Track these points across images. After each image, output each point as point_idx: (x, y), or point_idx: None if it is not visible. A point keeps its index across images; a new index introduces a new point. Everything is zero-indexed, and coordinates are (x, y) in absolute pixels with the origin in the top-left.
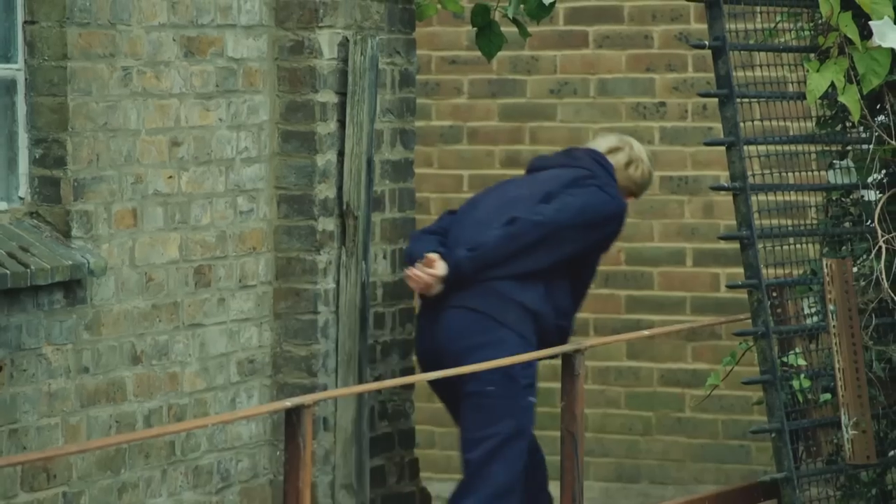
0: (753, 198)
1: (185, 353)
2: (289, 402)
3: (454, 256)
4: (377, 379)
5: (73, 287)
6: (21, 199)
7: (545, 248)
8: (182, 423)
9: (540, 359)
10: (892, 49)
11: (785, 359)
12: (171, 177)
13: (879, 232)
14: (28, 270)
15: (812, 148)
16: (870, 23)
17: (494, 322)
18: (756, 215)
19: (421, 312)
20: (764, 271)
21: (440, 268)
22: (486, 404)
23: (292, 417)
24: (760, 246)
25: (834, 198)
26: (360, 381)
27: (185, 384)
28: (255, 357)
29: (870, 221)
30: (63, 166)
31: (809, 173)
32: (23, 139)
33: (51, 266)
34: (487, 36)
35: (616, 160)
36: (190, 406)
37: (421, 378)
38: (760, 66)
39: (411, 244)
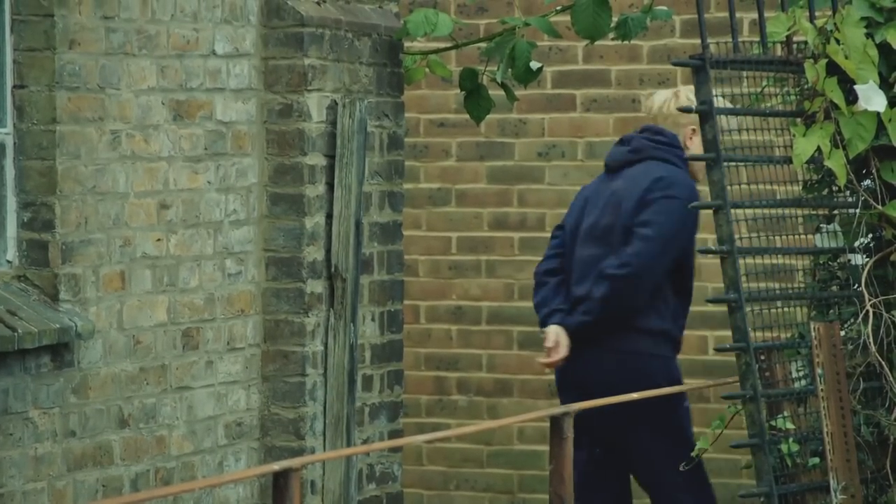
0: (741, 261)
1: (173, 416)
2: (276, 466)
3: (571, 323)
4: (365, 442)
5: (60, 350)
6: (9, 262)
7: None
8: (169, 486)
9: (524, 421)
10: (878, 113)
11: (773, 422)
12: (159, 239)
13: (867, 296)
14: (15, 334)
15: (799, 212)
16: (855, 87)
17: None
18: (744, 278)
19: None
20: (752, 334)
21: (562, 347)
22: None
23: (280, 481)
24: (748, 309)
25: (821, 261)
26: (348, 443)
27: (172, 447)
28: (242, 420)
29: (857, 285)
30: (51, 229)
31: (797, 237)
32: (11, 202)
33: (38, 329)
34: (476, 99)
35: (677, 121)
36: (177, 469)
37: (409, 441)
38: (747, 130)
39: (537, 295)
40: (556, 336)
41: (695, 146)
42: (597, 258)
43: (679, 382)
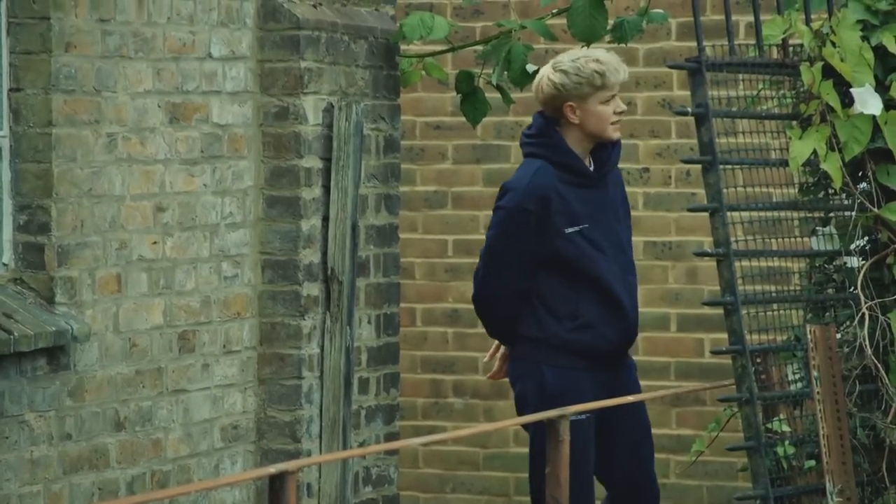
0: (737, 264)
1: (169, 419)
2: (272, 469)
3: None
4: (361, 444)
5: (56, 353)
6: (5, 265)
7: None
8: (165, 489)
9: (519, 423)
10: (874, 116)
11: (769, 425)
12: (155, 242)
13: (862, 299)
14: (11, 337)
15: (795, 214)
16: (851, 90)
17: None
18: (740, 281)
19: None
20: (748, 337)
21: (496, 359)
22: None
23: (276, 484)
24: (744, 312)
25: (817, 264)
26: (345, 446)
27: (168, 450)
28: (239, 423)
29: (853, 288)
30: (47, 232)
31: (792, 240)
32: (7, 205)
33: (34, 332)
34: (472, 102)
35: (542, 109)
36: (173, 472)
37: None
38: (743, 132)
39: None
40: (494, 347)
41: (582, 117)
42: None
43: (556, 394)
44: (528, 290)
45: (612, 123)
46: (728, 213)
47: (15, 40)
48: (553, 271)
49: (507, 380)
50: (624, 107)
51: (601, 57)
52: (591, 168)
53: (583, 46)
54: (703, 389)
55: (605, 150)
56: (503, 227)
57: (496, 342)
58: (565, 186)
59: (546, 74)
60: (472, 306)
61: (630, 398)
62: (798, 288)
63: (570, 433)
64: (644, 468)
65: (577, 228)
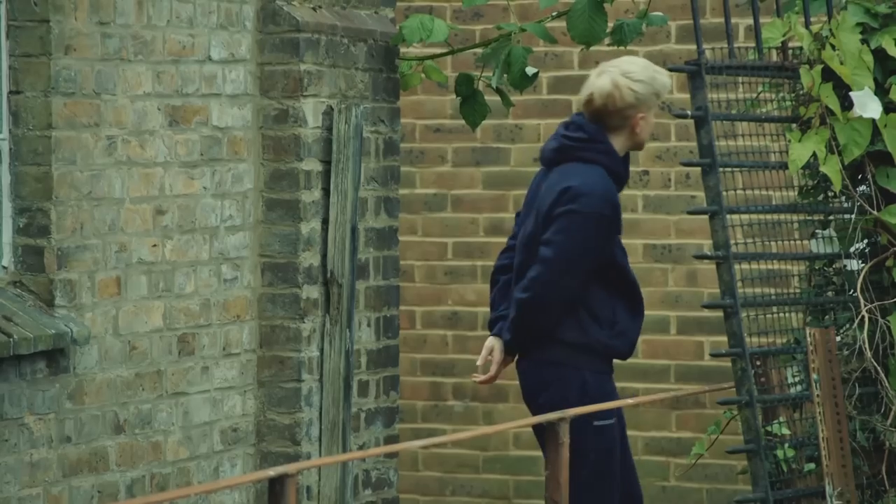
0: (737, 266)
1: (169, 422)
2: (272, 472)
3: (502, 337)
4: (361, 447)
5: (56, 356)
6: (4, 268)
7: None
8: (165, 492)
9: (520, 427)
10: (873, 119)
11: (769, 428)
12: (155, 245)
13: (862, 301)
14: (11, 340)
15: (794, 217)
16: (850, 94)
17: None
18: (739, 284)
19: None
20: (748, 340)
21: (494, 365)
22: None
23: (276, 486)
24: (744, 314)
25: (817, 267)
26: (344, 449)
27: (168, 453)
28: (238, 425)
29: (852, 291)
30: (47, 235)
31: (792, 242)
32: (6, 208)
33: (34, 335)
34: (471, 105)
35: (601, 116)
36: (173, 475)
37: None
38: (743, 135)
39: (490, 294)
40: (490, 351)
41: (642, 127)
42: (525, 267)
43: (596, 399)
44: (580, 297)
45: (650, 135)
46: (728, 216)
47: (14, 43)
48: (598, 278)
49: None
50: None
51: (659, 68)
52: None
53: (583, 50)
54: (703, 392)
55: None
56: (578, 233)
57: (493, 346)
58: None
59: (623, 84)
60: (471, 309)
61: (630, 401)
62: (798, 291)
63: (598, 437)
64: (635, 471)
65: (620, 235)
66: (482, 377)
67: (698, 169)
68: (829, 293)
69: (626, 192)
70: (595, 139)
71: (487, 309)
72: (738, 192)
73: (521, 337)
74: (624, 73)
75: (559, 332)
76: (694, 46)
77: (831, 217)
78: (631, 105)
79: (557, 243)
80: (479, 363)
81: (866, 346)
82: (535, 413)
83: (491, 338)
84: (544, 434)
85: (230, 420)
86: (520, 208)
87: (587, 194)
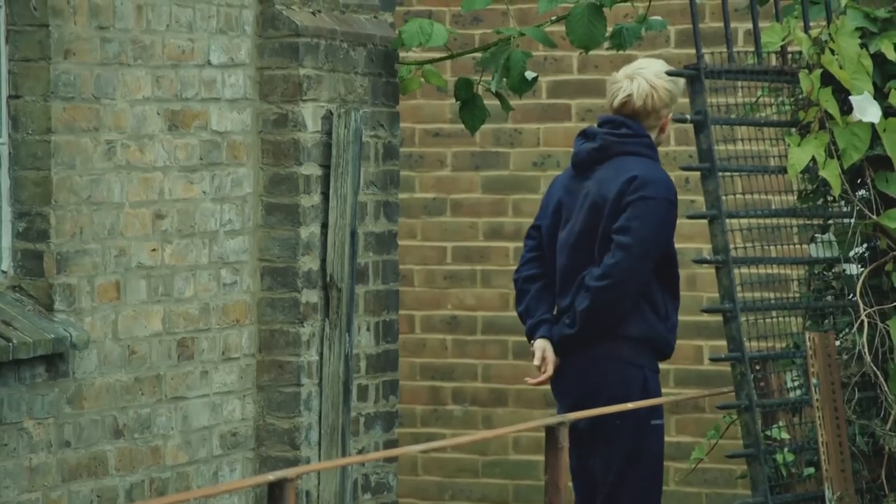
0: (736, 271)
1: (168, 427)
2: (271, 476)
3: (556, 335)
4: (360, 452)
5: (55, 361)
6: (4, 272)
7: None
8: (164, 497)
9: (519, 431)
10: (872, 124)
11: (768, 432)
12: (154, 249)
13: (861, 306)
14: (10, 344)
15: (794, 221)
16: (850, 98)
17: None
18: (739, 288)
19: None
20: (747, 344)
21: (549, 364)
22: None
23: (275, 491)
24: (743, 319)
25: (816, 271)
26: (343, 453)
27: (167, 457)
28: (237, 430)
29: (852, 295)
30: (46, 240)
31: (791, 247)
32: (6, 213)
33: (33, 340)
34: (471, 109)
35: (639, 116)
36: (172, 480)
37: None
38: (742, 140)
39: (520, 304)
40: (543, 352)
41: (666, 127)
42: (578, 267)
43: (651, 397)
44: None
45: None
46: (727, 221)
47: (14, 48)
48: (655, 271)
49: (502, 387)
50: None
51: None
52: None
53: (582, 54)
54: (703, 397)
55: None
56: (652, 218)
57: (545, 347)
58: None
59: (660, 85)
60: (470, 313)
61: (629, 405)
62: (797, 295)
63: (654, 437)
64: None
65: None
66: (537, 378)
67: (698, 173)
68: (829, 297)
69: None
70: (639, 134)
71: (487, 313)
72: (738, 196)
73: (590, 329)
74: (657, 73)
75: (621, 327)
76: (693, 51)
77: (830, 221)
78: (666, 104)
79: (635, 229)
80: (536, 363)
81: (865, 350)
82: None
83: (540, 340)
84: (598, 429)
85: (229, 424)
86: (522, 215)
87: (654, 181)
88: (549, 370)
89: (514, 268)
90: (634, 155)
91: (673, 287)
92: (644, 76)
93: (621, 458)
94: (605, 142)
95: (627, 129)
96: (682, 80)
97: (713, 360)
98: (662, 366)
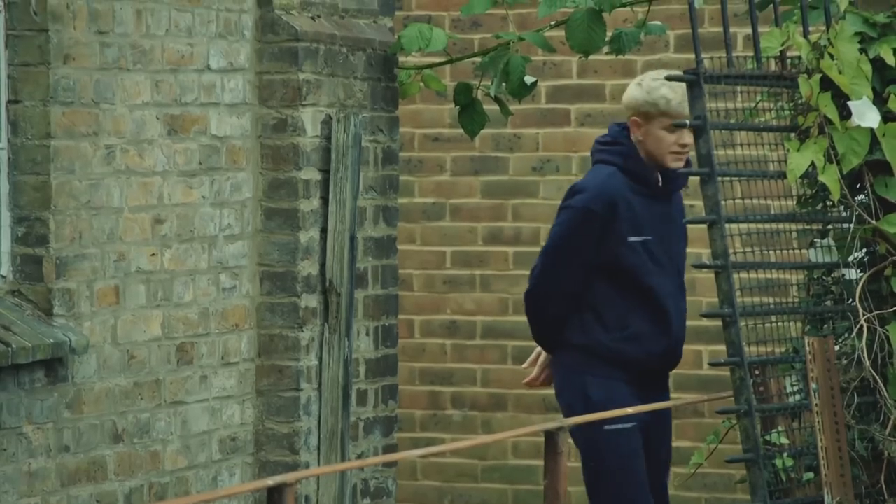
0: (735, 276)
1: (167, 431)
2: (271, 481)
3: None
4: (359, 456)
5: (54, 365)
6: (3, 277)
7: None
8: (163, 502)
9: (519, 436)
10: (871, 129)
11: (768, 437)
12: (153, 254)
13: (861, 311)
14: (9, 349)
15: (793, 226)
16: (849, 103)
17: None
18: (738, 293)
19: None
20: (746, 349)
21: (536, 367)
22: None
23: (274, 496)
24: (743, 324)
25: (815, 276)
26: (343, 458)
27: (166, 462)
28: (237, 435)
29: (851, 300)
30: (45, 244)
31: (791, 252)
32: (5, 217)
33: (32, 344)
34: (470, 114)
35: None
36: (171, 484)
37: (403, 456)
38: (741, 144)
39: None
40: (537, 354)
41: (644, 135)
42: None
43: (600, 404)
44: (578, 295)
45: (672, 153)
46: (726, 225)
47: (13, 52)
48: (608, 280)
49: (502, 392)
50: (688, 141)
51: (676, 86)
52: (660, 178)
53: (581, 59)
54: (702, 401)
55: (672, 170)
56: (567, 227)
57: (537, 348)
58: (634, 195)
59: (629, 88)
60: (470, 318)
61: (629, 410)
62: (796, 300)
63: (610, 443)
64: (664, 481)
65: (640, 238)
66: (526, 378)
67: (697, 178)
68: (828, 302)
69: None
70: (616, 141)
71: (486, 318)
72: (737, 201)
73: (535, 334)
74: (642, 78)
75: (566, 334)
76: (692, 55)
77: (830, 226)
78: (626, 105)
79: (551, 236)
80: (524, 366)
81: (865, 355)
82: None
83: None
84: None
85: (229, 429)
86: (521, 220)
87: (581, 190)
88: (534, 372)
89: (514, 272)
90: (601, 163)
91: (637, 297)
92: (638, 78)
93: (583, 466)
94: (591, 150)
95: (608, 137)
96: (659, 93)
97: (712, 364)
98: None
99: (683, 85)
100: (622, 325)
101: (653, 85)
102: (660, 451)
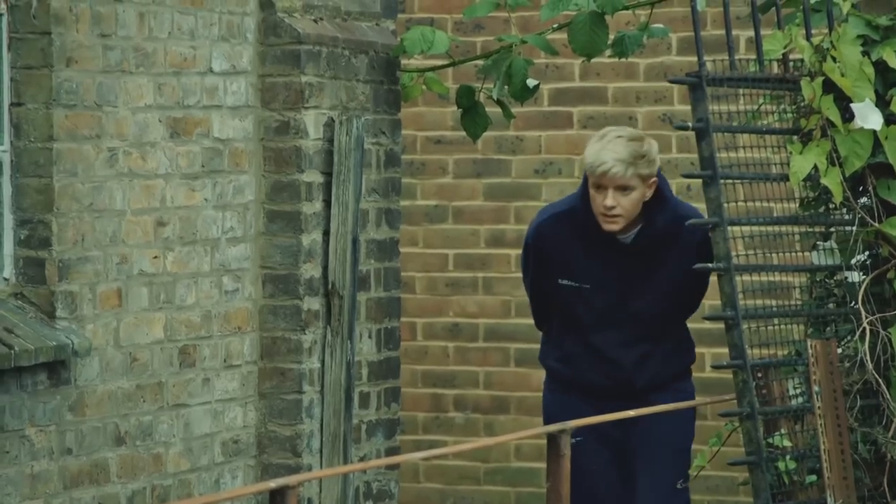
0: (738, 278)
1: (170, 434)
2: (273, 483)
3: None
4: (362, 459)
5: (57, 368)
6: (6, 279)
7: None
8: None
9: (521, 439)
10: (874, 131)
11: (770, 440)
12: (156, 257)
13: (863, 313)
14: (12, 352)
15: (796, 229)
16: (851, 105)
17: None
18: (741, 296)
19: None
20: (749, 352)
21: None
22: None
23: (277, 498)
24: (745, 326)
25: (818, 279)
26: (345, 461)
27: (169, 465)
28: (239, 437)
29: (853, 303)
30: (48, 247)
31: (793, 254)
32: (8, 220)
33: (35, 347)
34: (472, 117)
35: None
36: (174, 487)
37: (406, 458)
38: (744, 147)
39: None
40: None
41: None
42: None
43: (546, 416)
44: (550, 309)
45: (601, 213)
46: (729, 228)
47: (16, 55)
48: (556, 305)
49: (504, 394)
50: (610, 203)
51: (603, 142)
52: (633, 236)
53: (584, 62)
54: (704, 404)
55: (653, 225)
56: (522, 252)
57: None
58: (578, 241)
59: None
60: (472, 320)
61: (631, 413)
62: (799, 302)
63: (572, 455)
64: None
65: (572, 283)
66: None
67: (699, 181)
68: (831, 305)
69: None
70: (583, 183)
71: (489, 320)
72: (740, 203)
73: None
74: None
75: None
76: (695, 58)
77: (832, 229)
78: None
79: None
80: None
81: (867, 357)
82: None
83: None
84: None
85: (231, 432)
86: (523, 222)
87: (535, 217)
88: None
89: (517, 275)
90: (572, 196)
91: (577, 334)
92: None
93: None
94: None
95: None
96: (588, 150)
97: (715, 367)
98: None
99: (613, 141)
100: (560, 345)
101: (591, 141)
102: (633, 463)
